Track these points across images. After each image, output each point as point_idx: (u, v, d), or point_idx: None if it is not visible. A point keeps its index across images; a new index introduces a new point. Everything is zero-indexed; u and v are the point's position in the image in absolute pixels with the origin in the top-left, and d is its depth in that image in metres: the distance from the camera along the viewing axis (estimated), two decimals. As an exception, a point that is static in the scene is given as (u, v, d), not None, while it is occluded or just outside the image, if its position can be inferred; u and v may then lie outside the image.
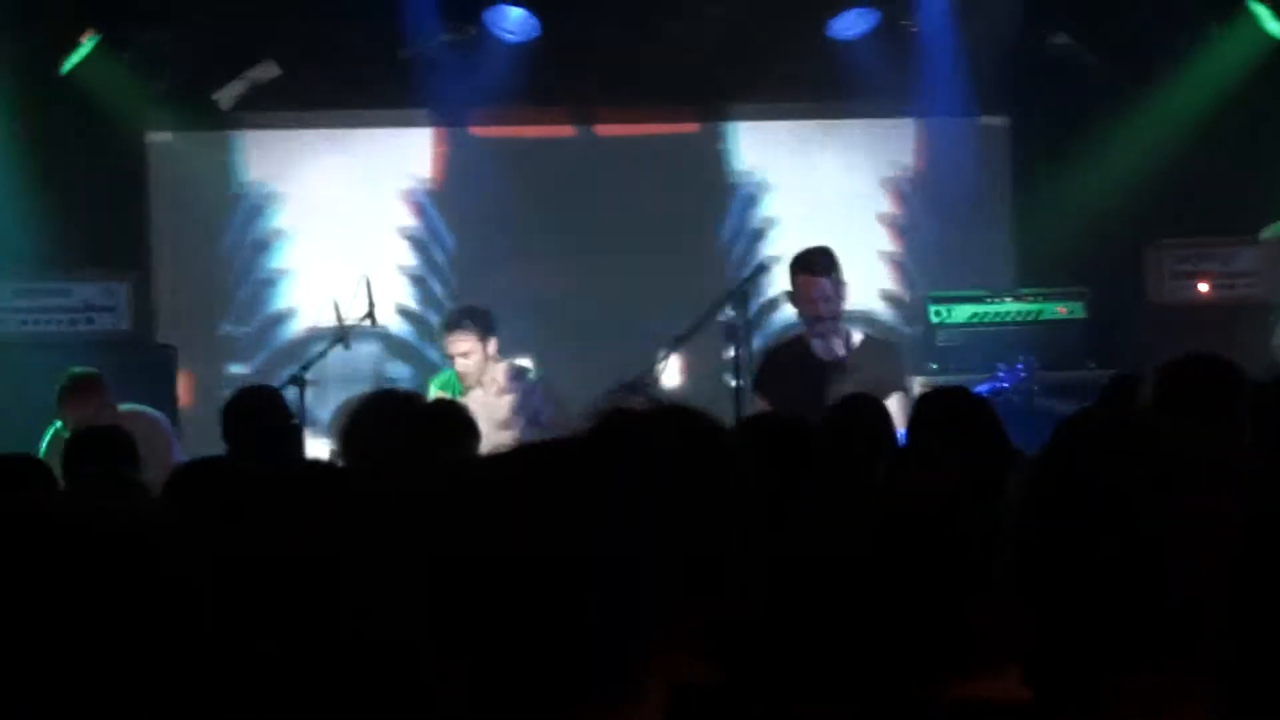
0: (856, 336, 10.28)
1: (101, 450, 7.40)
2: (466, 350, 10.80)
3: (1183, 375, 6.18)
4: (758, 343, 11.01)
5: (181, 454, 10.29)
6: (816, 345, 10.21)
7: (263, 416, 7.92)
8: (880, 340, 10.59)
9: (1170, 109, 12.36)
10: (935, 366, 11.30)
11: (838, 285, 10.09)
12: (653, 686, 2.30)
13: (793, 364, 10.15)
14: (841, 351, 10.13)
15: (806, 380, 9.83)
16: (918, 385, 10.19)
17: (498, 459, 2.52)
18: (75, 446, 7.67)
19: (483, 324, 10.90)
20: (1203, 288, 12.51)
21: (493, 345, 10.90)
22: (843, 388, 9.19)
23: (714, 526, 2.74)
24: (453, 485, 2.39)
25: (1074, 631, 2.49)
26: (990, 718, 3.02)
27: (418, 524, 2.18)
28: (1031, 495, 2.64)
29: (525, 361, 11.31)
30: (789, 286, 10.25)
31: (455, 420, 5.25)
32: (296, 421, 8.36)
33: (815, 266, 10.09)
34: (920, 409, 7.22)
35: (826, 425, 7.42)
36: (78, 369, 10.50)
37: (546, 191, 12.89)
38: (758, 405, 9.88)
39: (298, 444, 8.19)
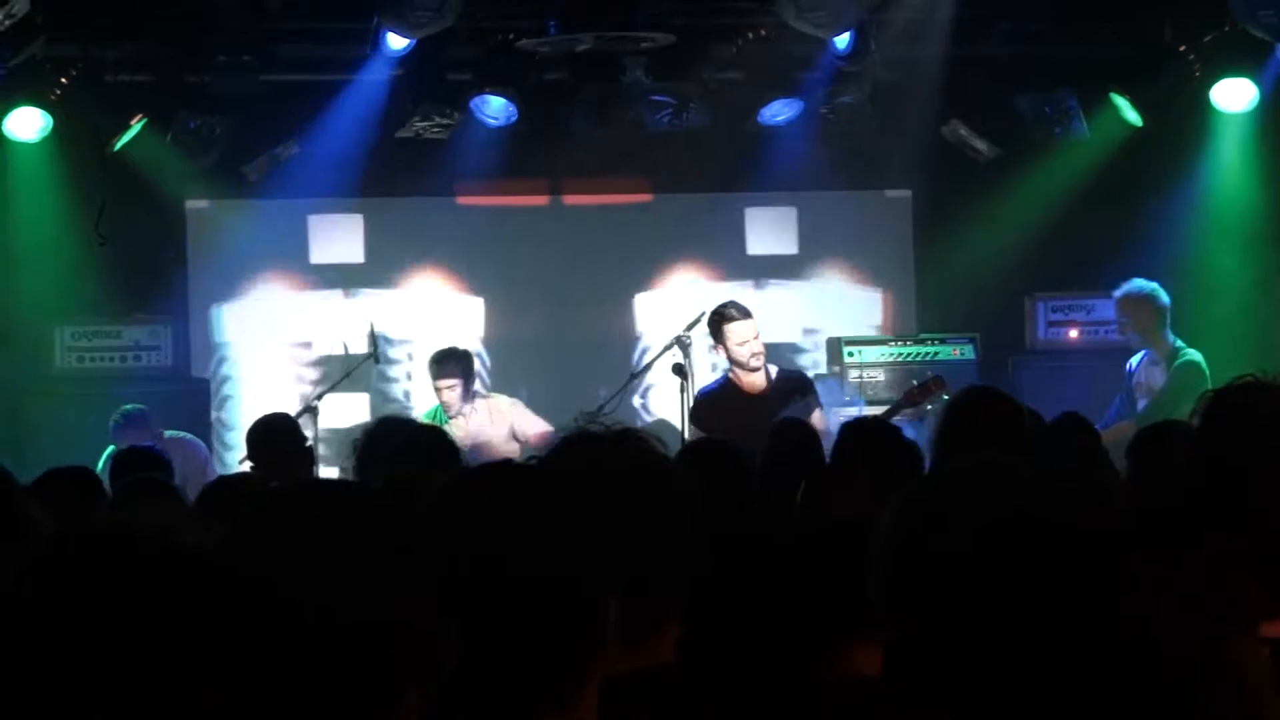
0: (773, 369, 10.39)
1: (140, 465, 7.41)
2: (451, 385, 10.86)
3: (966, 411, 6.05)
4: (700, 375, 11.00)
5: (216, 471, 10.31)
6: (744, 382, 10.27)
7: (280, 439, 7.91)
8: (793, 370, 10.70)
9: (1045, 183, 12.44)
10: (848, 399, 11.32)
11: (753, 327, 10.23)
12: (592, 681, 2.30)
13: (724, 400, 10.20)
14: (764, 384, 10.22)
15: (737, 413, 9.85)
16: (835, 416, 10.15)
17: (477, 478, 2.54)
18: (119, 462, 7.68)
19: (464, 364, 10.97)
20: (1072, 334, 12.57)
21: (472, 381, 10.97)
22: (767, 415, 9.21)
23: (653, 532, 2.74)
24: (441, 503, 2.41)
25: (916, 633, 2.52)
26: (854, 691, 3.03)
27: (414, 533, 2.18)
28: (898, 524, 2.68)
29: (502, 393, 11.35)
30: (716, 337, 10.29)
31: (441, 443, 5.29)
32: (309, 444, 8.33)
33: (732, 315, 10.21)
34: (843, 437, 7.14)
35: (767, 450, 7.40)
36: (129, 406, 10.50)
37: (523, 250, 12.92)
38: (691, 437, 9.84)
39: (311, 463, 8.16)
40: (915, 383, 10.42)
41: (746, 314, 10.28)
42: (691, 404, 10.33)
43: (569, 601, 2.28)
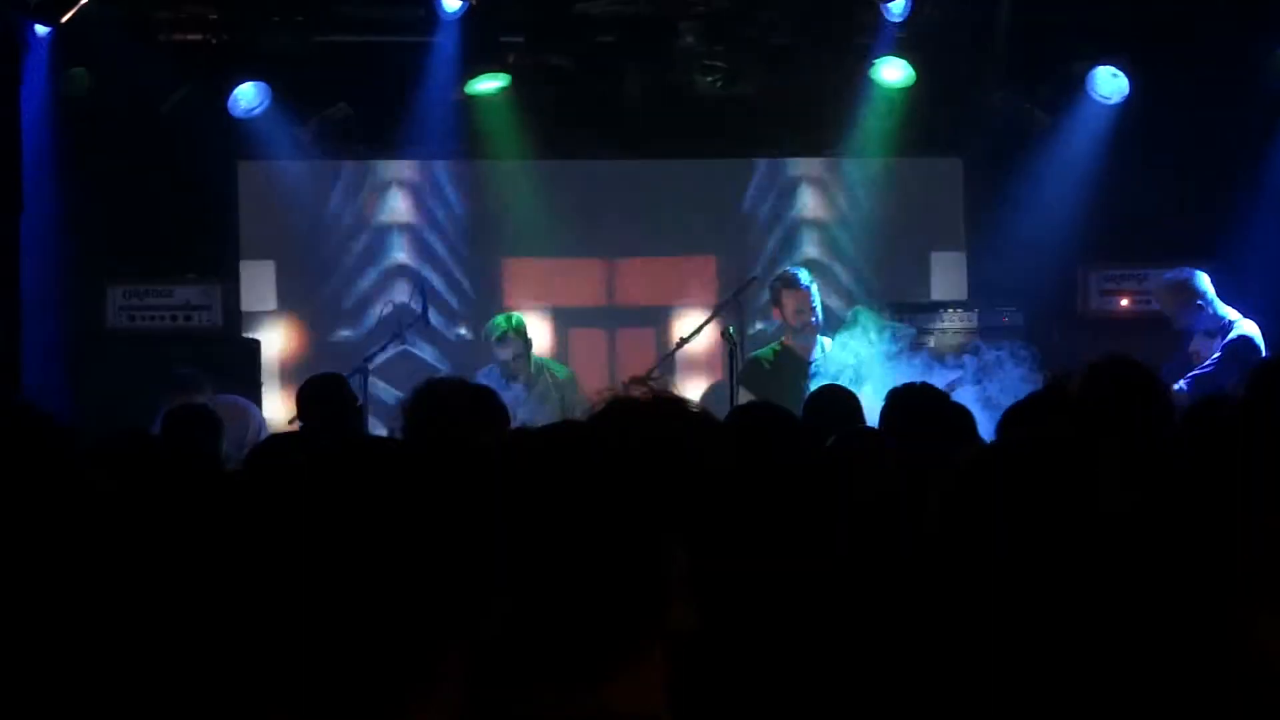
0: (828, 341, 10.52)
1: (189, 425, 7.42)
2: (514, 352, 10.87)
3: (1106, 375, 5.98)
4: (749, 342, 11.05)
5: (268, 432, 10.34)
6: (797, 348, 10.44)
7: (331, 399, 7.90)
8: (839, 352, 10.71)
9: (1098, 151, 12.34)
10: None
11: (813, 297, 10.39)
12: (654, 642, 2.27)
13: (775, 365, 10.40)
14: (818, 354, 10.36)
15: (788, 378, 10.01)
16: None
17: (527, 438, 2.51)
18: (170, 420, 7.70)
19: (523, 329, 10.98)
20: (1123, 303, 12.50)
21: (530, 346, 10.98)
22: (817, 382, 9.31)
23: (694, 491, 2.71)
24: (493, 458, 2.38)
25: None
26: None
27: (464, 489, 2.16)
28: (955, 500, 2.64)
29: (556, 359, 11.36)
30: (775, 299, 10.53)
31: (489, 404, 5.27)
32: (360, 404, 8.32)
33: (796, 283, 10.41)
34: (891, 402, 7.12)
35: (806, 410, 7.42)
36: (183, 369, 10.50)
37: (574, 212, 12.85)
38: (742, 398, 9.98)
39: (361, 424, 8.15)
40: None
41: (808, 286, 10.47)
42: (743, 367, 10.42)
43: (630, 559, 2.24)
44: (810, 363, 10.36)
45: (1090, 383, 5.89)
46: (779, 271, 10.87)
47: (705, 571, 2.70)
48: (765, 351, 10.74)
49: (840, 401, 7.52)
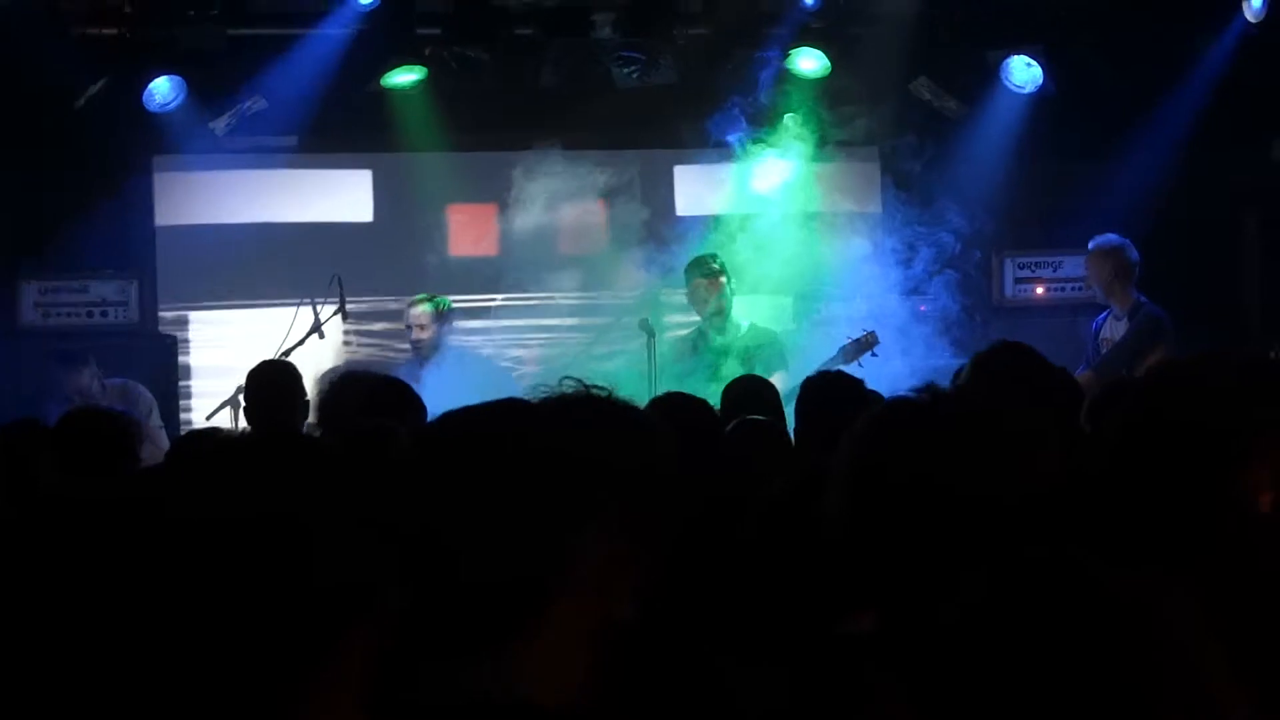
0: (744, 324, 10.62)
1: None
2: (424, 323, 10.84)
3: (995, 364, 5.99)
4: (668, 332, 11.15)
5: (157, 420, 10.29)
6: (712, 334, 10.55)
7: (278, 389, 7.78)
8: (764, 328, 10.81)
9: (1013, 140, 12.43)
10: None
11: (727, 284, 10.51)
12: (563, 627, 2.29)
13: (691, 349, 10.50)
14: (732, 335, 10.51)
15: (704, 362, 10.13)
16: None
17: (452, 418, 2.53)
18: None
19: (441, 307, 10.96)
20: (1039, 290, 12.60)
21: (446, 326, 10.94)
22: (733, 366, 9.46)
23: (630, 481, 2.73)
24: (408, 451, 2.41)
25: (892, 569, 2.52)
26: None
27: (377, 482, 2.19)
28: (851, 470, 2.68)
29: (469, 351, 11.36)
30: (687, 288, 10.62)
31: (404, 396, 5.30)
32: (307, 398, 8.20)
33: (709, 270, 10.51)
34: (806, 392, 7.20)
35: (726, 398, 7.48)
36: (65, 347, 10.41)
37: (493, 203, 12.86)
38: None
39: (305, 415, 8.02)
40: (849, 338, 10.49)
41: (715, 272, 10.53)
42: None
43: (532, 538, 2.28)
44: (721, 348, 10.47)
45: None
46: (691, 259, 10.96)
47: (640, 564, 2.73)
48: (684, 338, 10.87)
49: (756, 392, 7.58)
